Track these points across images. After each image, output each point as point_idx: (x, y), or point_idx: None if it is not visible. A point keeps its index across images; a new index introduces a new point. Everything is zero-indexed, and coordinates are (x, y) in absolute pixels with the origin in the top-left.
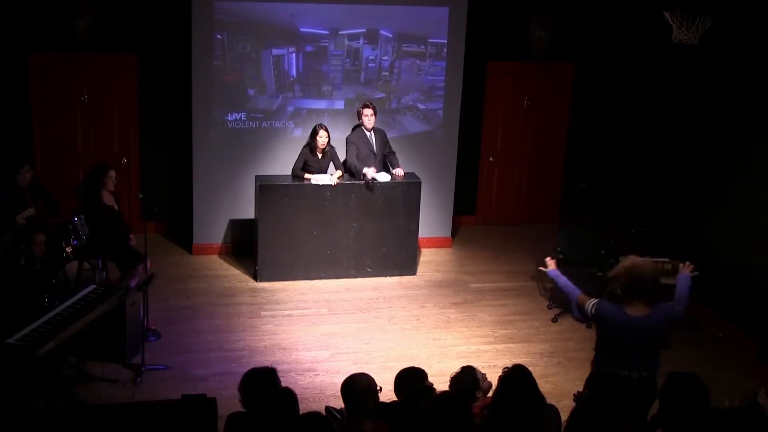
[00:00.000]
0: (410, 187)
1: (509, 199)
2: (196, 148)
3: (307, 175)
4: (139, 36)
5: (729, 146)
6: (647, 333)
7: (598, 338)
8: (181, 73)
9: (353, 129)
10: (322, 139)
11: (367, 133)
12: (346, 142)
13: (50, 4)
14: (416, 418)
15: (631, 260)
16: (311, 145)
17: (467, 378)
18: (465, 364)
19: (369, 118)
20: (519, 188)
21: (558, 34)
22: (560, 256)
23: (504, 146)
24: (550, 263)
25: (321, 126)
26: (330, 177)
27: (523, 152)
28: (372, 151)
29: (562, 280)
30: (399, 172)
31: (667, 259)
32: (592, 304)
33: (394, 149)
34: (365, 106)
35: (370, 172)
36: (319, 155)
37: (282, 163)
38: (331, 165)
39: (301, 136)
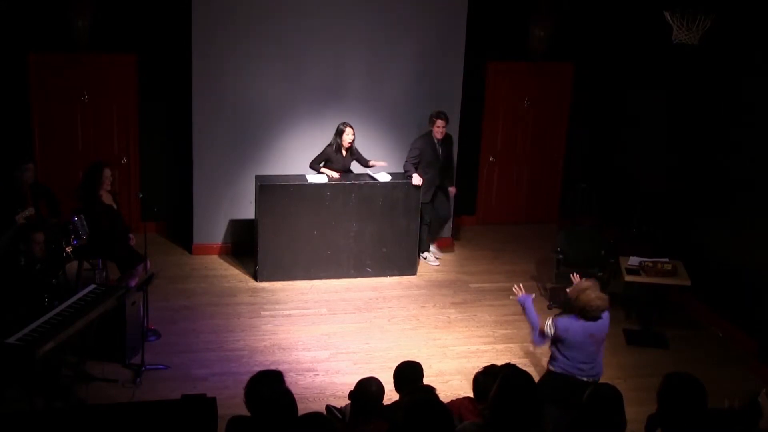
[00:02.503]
0: (410, 187)
1: (509, 199)
2: (196, 147)
3: (325, 171)
4: (139, 35)
5: (729, 146)
6: (600, 333)
7: (558, 349)
8: (181, 72)
9: (422, 135)
10: (348, 136)
11: (436, 141)
12: (411, 145)
13: (50, 4)
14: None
15: (579, 288)
16: (337, 143)
17: (491, 373)
18: (487, 364)
19: (440, 129)
20: (519, 188)
21: (558, 34)
22: (560, 256)
23: (504, 146)
24: (518, 291)
25: (346, 124)
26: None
27: (523, 152)
28: (438, 159)
29: (530, 309)
30: (451, 190)
31: (667, 260)
32: (548, 325)
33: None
34: (439, 116)
35: (416, 179)
36: (344, 153)
37: (282, 163)
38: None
39: (300, 135)
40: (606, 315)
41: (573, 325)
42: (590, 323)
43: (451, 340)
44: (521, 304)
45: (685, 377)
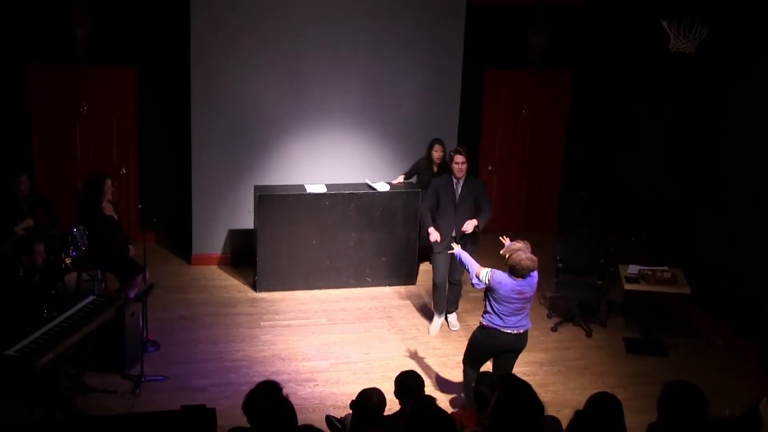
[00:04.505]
0: (409, 196)
1: (508, 207)
2: (195, 158)
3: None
4: (138, 46)
5: (728, 153)
6: (528, 291)
7: (489, 300)
8: (180, 82)
9: (442, 176)
10: (437, 153)
11: (455, 181)
12: (429, 187)
13: (50, 15)
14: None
15: (512, 248)
16: (429, 156)
17: (487, 383)
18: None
19: (459, 167)
20: (518, 196)
21: (556, 42)
22: (559, 264)
23: (502, 154)
24: (456, 246)
25: (437, 140)
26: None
27: (522, 160)
28: (453, 200)
29: (465, 255)
30: (469, 226)
31: (666, 268)
32: (486, 272)
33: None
34: (457, 152)
35: (434, 235)
36: (435, 168)
37: (281, 173)
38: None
39: (299, 145)
40: (534, 275)
41: (505, 280)
42: (519, 281)
43: (450, 349)
44: (457, 258)
45: (685, 386)
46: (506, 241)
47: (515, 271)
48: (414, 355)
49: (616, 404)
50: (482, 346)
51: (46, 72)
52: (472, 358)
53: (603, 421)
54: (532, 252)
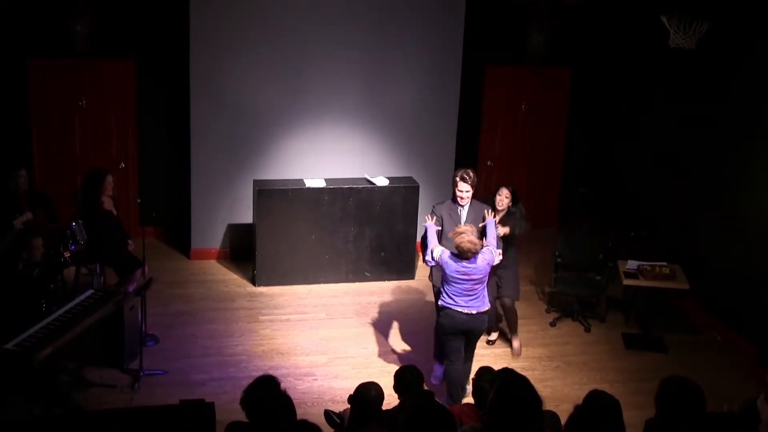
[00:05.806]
0: (408, 191)
1: None
2: (194, 152)
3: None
4: (138, 41)
5: (727, 150)
6: (474, 273)
7: (442, 281)
8: (179, 77)
9: (447, 200)
10: (500, 197)
11: (459, 207)
12: (431, 213)
13: (49, 9)
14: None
15: (457, 231)
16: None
17: (486, 378)
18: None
19: (463, 195)
20: (517, 192)
21: (556, 38)
22: (559, 260)
23: (502, 151)
24: (429, 219)
25: (504, 185)
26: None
27: (522, 157)
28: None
29: (431, 232)
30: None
31: (665, 263)
32: (439, 251)
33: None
34: (462, 179)
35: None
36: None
37: (280, 168)
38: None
39: (298, 140)
40: (484, 258)
41: (449, 261)
42: (464, 263)
43: None
44: (425, 229)
45: (683, 382)
46: (489, 216)
47: (459, 253)
48: (413, 350)
49: (614, 405)
50: (441, 327)
51: (45, 67)
52: (439, 347)
53: (602, 422)
54: (532, 247)
